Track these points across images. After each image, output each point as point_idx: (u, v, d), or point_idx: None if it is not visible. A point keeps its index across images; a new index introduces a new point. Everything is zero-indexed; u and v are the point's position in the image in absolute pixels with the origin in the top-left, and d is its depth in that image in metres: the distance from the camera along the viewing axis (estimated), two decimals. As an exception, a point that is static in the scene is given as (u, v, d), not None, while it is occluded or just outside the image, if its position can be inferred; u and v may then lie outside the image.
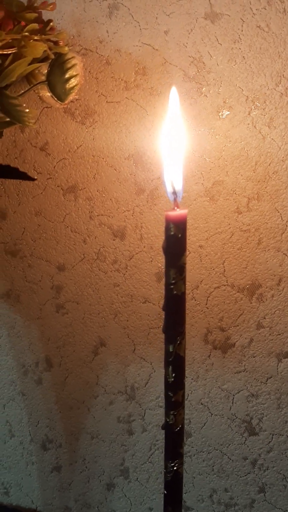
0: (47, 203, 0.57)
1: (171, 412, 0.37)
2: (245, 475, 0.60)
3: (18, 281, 0.61)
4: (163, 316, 0.37)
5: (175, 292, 0.35)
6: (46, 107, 0.55)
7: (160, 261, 0.56)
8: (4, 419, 0.66)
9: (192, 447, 0.60)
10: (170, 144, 0.34)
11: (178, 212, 0.34)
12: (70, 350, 0.61)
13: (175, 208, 0.34)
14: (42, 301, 0.61)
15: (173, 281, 0.35)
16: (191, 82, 0.51)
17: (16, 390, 0.65)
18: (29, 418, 0.65)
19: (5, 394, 0.65)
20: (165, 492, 0.40)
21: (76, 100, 0.53)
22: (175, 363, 0.36)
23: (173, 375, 0.36)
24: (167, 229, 0.34)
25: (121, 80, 0.52)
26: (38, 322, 0.61)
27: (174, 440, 0.38)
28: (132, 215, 0.55)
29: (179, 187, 0.35)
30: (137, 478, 0.64)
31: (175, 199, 0.35)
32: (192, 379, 0.58)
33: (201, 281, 0.55)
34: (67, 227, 0.58)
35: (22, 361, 0.63)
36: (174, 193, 0.35)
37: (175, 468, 0.38)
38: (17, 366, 0.64)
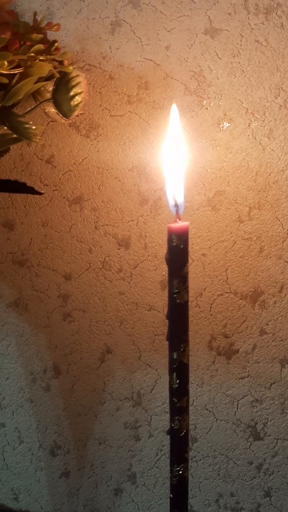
0: (53, 214, 0.59)
1: (176, 417, 0.38)
2: (251, 480, 0.61)
3: (26, 290, 0.62)
4: (168, 324, 0.38)
5: (178, 301, 0.36)
6: (52, 121, 0.56)
7: (164, 269, 0.57)
8: (13, 426, 0.67)
9: (198, 452, 0.61)
10: (172, 159, 0.36)
11: (180, 224, 0.35)
12: (77, 358, 0.63)
13: (177, 220, 0.36)
14: (50, 309, 0.62)
15: (176, 291, 0.36)
16: (192, 95, 0.52)
17: (25, 397, 0.66)
18: (38, 425, 0.66)
19: (14, 401, 0.66)
20: (171, 496, 0.41)
21: (81, 114, 0.55)
22: (179, 370, 0.37)
23: (177, 381, 0.37)
24: (170, 240, 0.35)
25: (124, 94, 0.54)
26: (46, 330, 0.63)
27: (179, 445, 0.39)
28: (136, 225, 0.57)
29: (180, 200, 0.36)
30: (144, 483, 0.65)
31: (177, 212, 0.36)
32: (197, 385, 0.59)
33: (205, 289, 0.57)
34: (73, 237, 0.59)
35: (30, 369, 0.65)
36: (176, 205, 0.36)
37: (180, 472, 0.39)
38: (25, 374, 0.65)
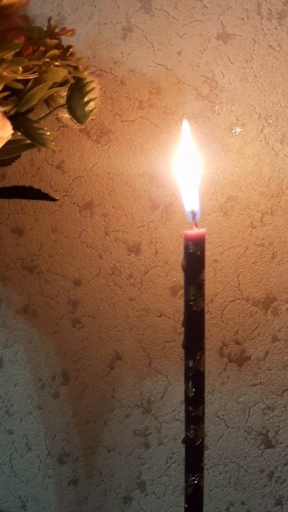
0: (63, 219, 0.59)
1: (192, 426, 0.38)
2: (262, 488, 0.60)
3: (35, 296, 0.62)
4: (179, 330, 0.38)
5: (194, 308, 0.36)
6: (62, 126, 0.56)
7: (175, 275, 0.57)
8: (21, 433, 0.67)
9: (209, 460, 0.61)
10: (187, 167, 0.35)
11: (197, 231, 0.35)
12: (86, 364, 0.62)
13: (194, 227, 0.35)
14: (59, 315, 0.62)
15: (193, 298, 0.35)
16: (204, 100, 0.52)
17: (33, 404, 0.65)
18: (46, 432, 0.66)
19: (22, 408, 0.66)
20: (186, 505, 0.40)
21: (92, 119, 0.55)
22: (195, 378, 0.37)
23: (193, 390, 0.37)
24: (186, 247, 0.35)
25: (136, 99, 0.54)
26: (55, 336, 0.62)
27: (194, 454, 0.39)
28: (147, 231, 0.56)
29: (197, 207, 0.35)
30: (154, 491, 0.64)
31: (193, 218, 0.36)
32: (208, 392, 0.59)
33: (216, 295, 0.56)
34: (83, 242, 0.59)
35: (39, 375, 0.64)
36: (193, 212, 0.36)
37: (195, 481, 0.39)
38: (34, 380, 0.65)
